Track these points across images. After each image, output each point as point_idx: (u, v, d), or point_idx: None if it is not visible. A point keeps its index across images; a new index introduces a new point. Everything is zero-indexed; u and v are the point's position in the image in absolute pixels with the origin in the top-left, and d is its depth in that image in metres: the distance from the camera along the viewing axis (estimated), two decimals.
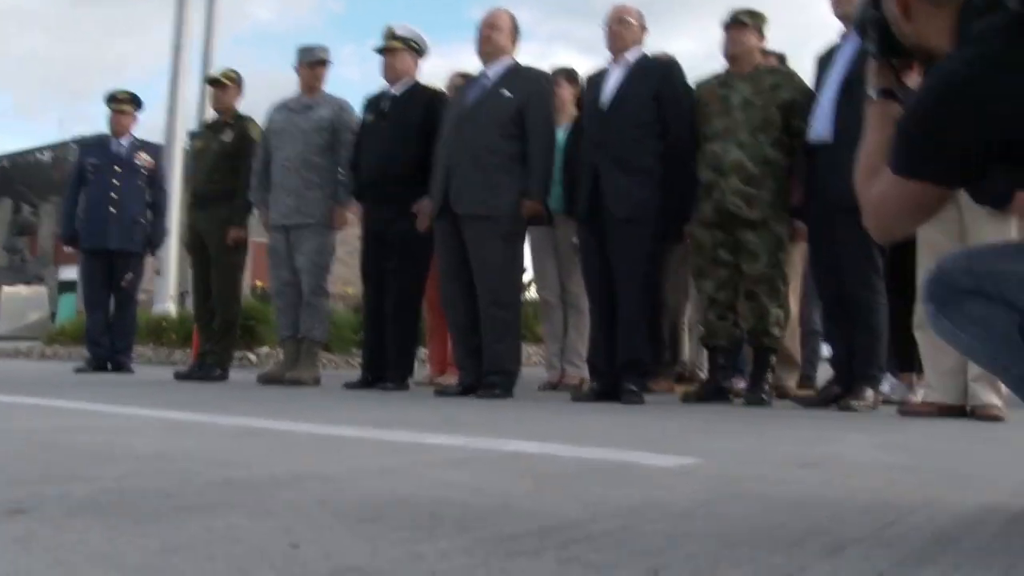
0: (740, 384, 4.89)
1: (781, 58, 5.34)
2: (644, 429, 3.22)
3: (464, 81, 5.30)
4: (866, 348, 4.25)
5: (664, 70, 4.61)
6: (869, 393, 4.21)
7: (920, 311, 4.04)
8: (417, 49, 5.37)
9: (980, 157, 1.32)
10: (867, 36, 1.58)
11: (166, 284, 11.52)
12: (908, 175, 1.38)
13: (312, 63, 5.68)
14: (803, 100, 4.48)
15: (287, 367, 5.57)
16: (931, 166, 1.36)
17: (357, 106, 5.59)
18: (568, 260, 5.56)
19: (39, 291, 18.05)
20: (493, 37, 4.80)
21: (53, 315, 17.91)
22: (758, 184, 4.44)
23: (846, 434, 3.13)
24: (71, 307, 20.85)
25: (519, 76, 4.77)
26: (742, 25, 4.60)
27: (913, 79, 1.59)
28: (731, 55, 4.62)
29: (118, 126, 7.05)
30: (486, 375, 4.53)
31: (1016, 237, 3.70)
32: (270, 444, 2.49)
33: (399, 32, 5.34)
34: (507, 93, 4.67)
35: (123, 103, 7.08)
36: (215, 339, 5.98)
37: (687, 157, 4.51)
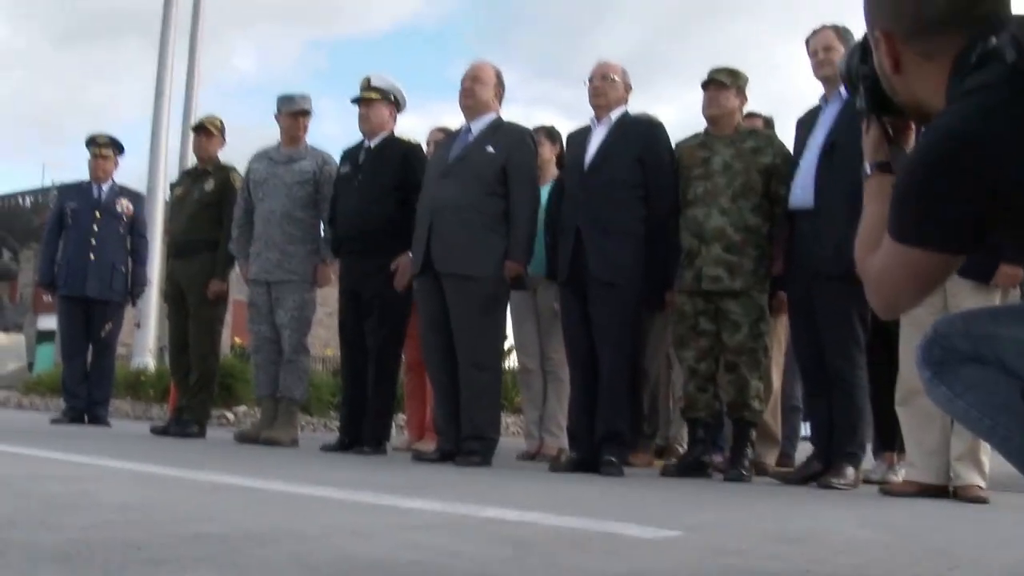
0: (718, 459, 4.83)
1: (768, 121, 5.30)
2: (624, 500, 3.17)
3: (444, 136, 5.25)
4: (847, 425, 4.19)
5: (648, 131, 4.56)
6: (850, 471, 4.15)
7: (902, 387, 4.02)
8: (394, 101, 5.29)
9: (982, 219, 1.25)
10: (856, 91, 1.55)
11: (145, 337, 11.39)
12: (908, 242, 1.31)
13: (293, 112, 5.59)
14: (784, 165, 4.47)
15: (264, 426, 5.47)
16: (932, 231, 1.29)
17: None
18: (549, 326, 5.52)
19: (17, 340, 17.81)
20: (476, 90, 4.70)
21: (31, 365, 17.66)
22: (739, 252, 4.41)
23: (829, 511, 3.08)
24: (49, 357, 20.56)
25: (502, 132, 4.69)
26: (721, 85, 4.53)
27: (909, 141, 1.56)
28: (710, 116, 4.56)
29: (99, 171, 6.96)
30: (464, 441, 4.45)
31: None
32: (243, 501, 2.43)
33: (375, 83, 5.25)
34: (490, 149, 4.60)
35: (104, 147, 6.99)
36: (192, 394, 5.86)
37: (669, 222, 4.49)
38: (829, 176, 4.22)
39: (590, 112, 4.65)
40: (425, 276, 4.59)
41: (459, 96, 4.74)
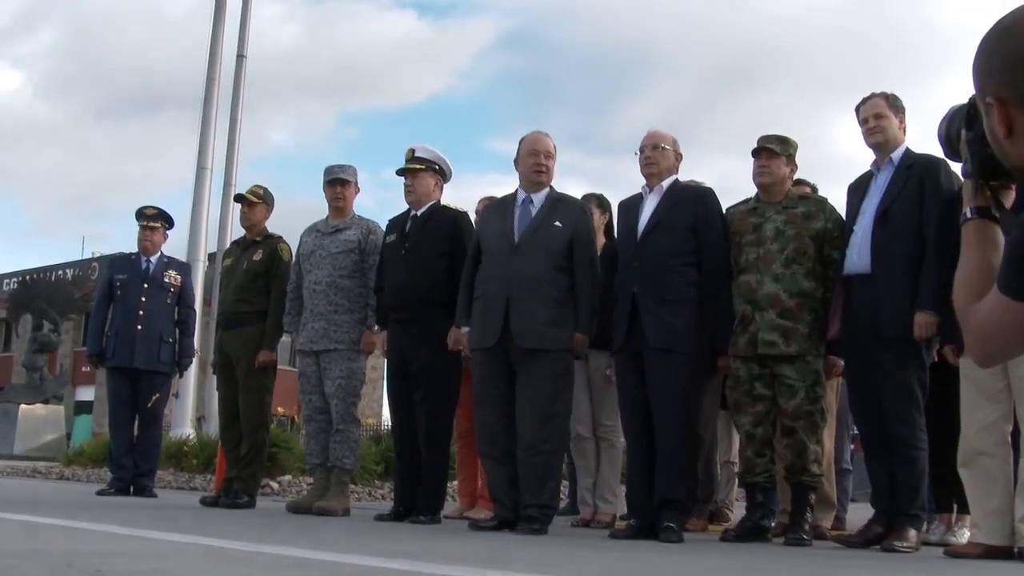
0: (772, 523, 4.75)
1: (814, 189, 5.33)
2: (688, 568, 3.12)
3: (490, 202, 5.31)
4: (908, 487, 4.15)
5: (700, 198, 4.60)
6: (912, 534, 4.09)
7: (964, 448, 3.98)
8: (439, 171, 5.32)
9: None
10: (959, 156, 1.56)
11: (184, 407, 11.45)
12: (1019, 298, 1.32)
13: (331, 181, 5.65)
14: (835, 229, 4.50)
15: (315, 496, 5.46)
16: None
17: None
18: (601, 393, 5.52)
19: (56, 411, 17.94)
20: (550, 167, 4.79)
21: (68, 436, 17.77)
22: (794, 317, 4.40)
23: (901, 575, 3.02)
24: (87, 428, 20.73)
25: (564, 205, 4.76)
26: (772, 153, 4.57)
27: (1010, 198, 1.57)
28: (761, 184, 4.60)
29: (148, 243, 7.01)
30: (525, 508, 4.42)
31: None
32: (323, 574, 2.42)
33: (420, 153, 5.29)
34: (558, 223, 4.65)
35: (152, 219, 7.07)
36: (242, 465, 5.85)
37: (721, 287, 4.50)
38: (884, 241, 4.26)
39: (630, 181, 4.82)
40: (497, 351, 4.57)
41: (528, 171, 4.76)
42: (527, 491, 4.42)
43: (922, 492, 4.20)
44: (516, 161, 4.81)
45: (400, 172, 5.32)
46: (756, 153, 4.63)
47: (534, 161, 4.71)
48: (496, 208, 4.95)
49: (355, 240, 5.54)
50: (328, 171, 5.71)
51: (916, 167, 4.28)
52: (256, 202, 6.14)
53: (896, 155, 4.37)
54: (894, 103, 4.41)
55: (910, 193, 4.27)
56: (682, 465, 4.32)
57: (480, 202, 5.97)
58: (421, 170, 5.25)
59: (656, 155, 4.61)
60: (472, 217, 5.53)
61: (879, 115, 4.39)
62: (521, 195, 4.78)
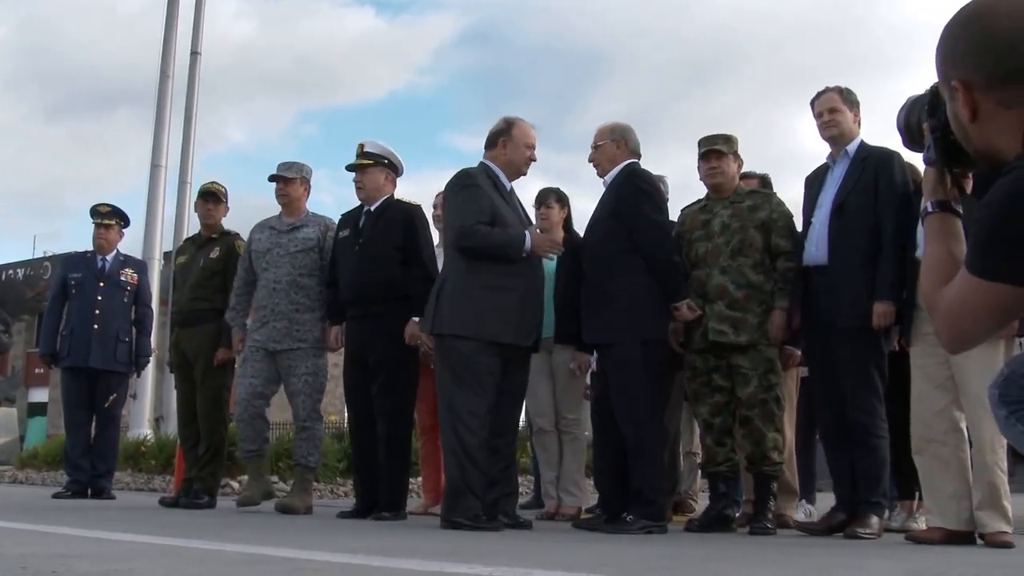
0: (736, 513, 4.75)
1: (764, 180, 5.33)
2: (659, 559, 3.11)
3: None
4: (869, 475, 4.19)
5: (623, 185, 4.52)
6: (875, 520, 4.13)
7: (916, 436, 4.04)
8: (390, 165, 5.27)
9: None
10: (920, 145, 1.57)
11: (142, 407, 11.26)
12: (991, 278, 1.35)
13: (272, 177, 5.60)
14: (780, 219, 4.55)
15: (258, 487, 5.38)
16: (1017, 265, 1.32)
17: None
18: (564, 386, 5.52)
19: (9, 413, 17.59)
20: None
21: (22, 438, 17.43)
22: (743, 308, 4.44)
23: (866, 560, 3.04)
24: (41, 430, 20.34)
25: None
26: (720, 154, 4.63)
27: (967, 186, 1.58)
28: (713, 185, 4.67)
29: (103, 241, 6.89)
30: (495, 503, 4.35)
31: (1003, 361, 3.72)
32: (284, 570, 2.37)
33: (368, 148, 5.25)
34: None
35: (107, 217, 6.94)
36: (201, 464, 5.76)
37: (662, 271, 4.37)
38: (840, 233, 4.33)
39: (592, 177, 4.69)
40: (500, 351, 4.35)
41: (525, 166, 4.63)
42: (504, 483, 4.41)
43: (883, 480, 4.25)
44: (499, 143, 4.55)
45: (350, 168, 5.30)
46: (705, 156, 4.68)
47: (530, 154, 4.61)
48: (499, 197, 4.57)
49: (314, 238, 5.49)
50: (280, 168, 5.66)
51: (871, 160, 4.34)
52: (221, 200, 6.10)
53: (851, 148, 4.42)
54: (848, 97, 4.46)
55: (865, 185, 4.32)
56: (646, 457, 4.29)
57: (438, 196, 5.92)
58: (370, 165, 5.23)
59: (593, 153, 4.64)
60: (429, 212, 5.55)
61: (833, 109, 4.44)
62: (506, 184, 4.59)
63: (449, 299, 4.30)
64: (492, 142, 4.57)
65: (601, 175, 4.60)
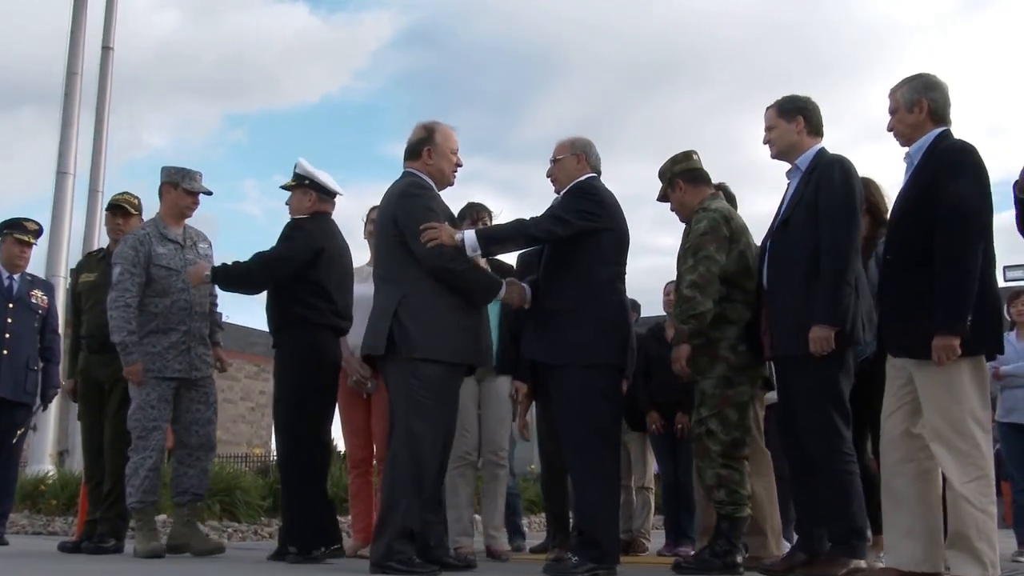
0: (689, 551, 4.78)
1: (720, 186, 5.30)
2: None
3: None
4: (830, 509, 4.17)
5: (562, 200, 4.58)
6: (843, 561, 4.07)
7: (881, 463, 4.01)
8: (312, 186, 5.27)
9: None
10: None
11: (43, 441, 10.95)
12: None
13: (192, 191, 5.61)
14: (693, 238, 4.61)
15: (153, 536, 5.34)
16: None
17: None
18: (499, 417, 5.62)
19: None
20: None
21: None
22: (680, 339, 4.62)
23: None
24: None
25: None
26: (662, 199, 4.92)
27: None
28: (679, 215, 4.89)
29: (21, 260, 6.61)
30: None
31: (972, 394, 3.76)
32: None
33: (296, 169, 5.35)
34: None
35: (35, 236, 6.68)
36: (107, 504, 5.61)
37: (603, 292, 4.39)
38: (782, 253, 4.36)
39: (541, 188, 4.99)
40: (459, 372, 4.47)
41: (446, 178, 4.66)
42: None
43: (850, 515, 4.13)
44: (423, 152, 4.54)
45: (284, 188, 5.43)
46: (664, 193, 4.91)
47: (457, 160, 4.62)
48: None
49: (211, 254, 5.64)
50: (187, 175, 5.64)
51: (816, 171, 4.35)
52: (133, 213, 6.00)
53: (803, 160, 4.44)
54: (784, 107, 4.48)
55: (808, 199, 4.33)
56: (590, 491, 4.28)
57: (372, 210, 5.88)
58: (294, 186, 5.33)
59: (551, 168, 4.66)
60: (364, 228, 5.72)
61: (768, 127, 4.52)
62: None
63: (414, 320, 4.24)
64: (415, 152, 4.56)
65: (558, 191, 4.62)
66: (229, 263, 5.21)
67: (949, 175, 3.82)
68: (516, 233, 4.37)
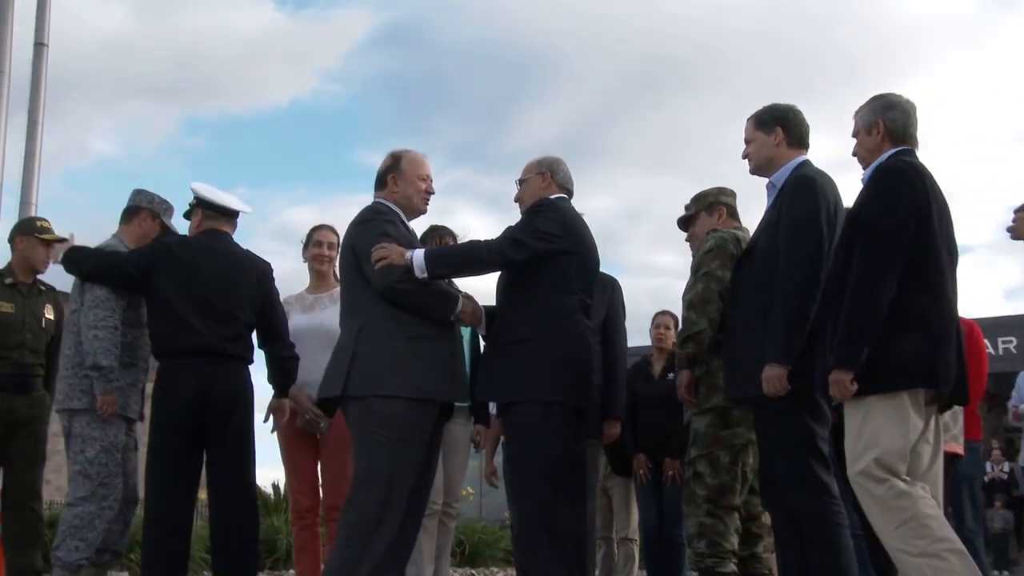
0: None
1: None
2: None
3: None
4: (818, 565, 3.98)
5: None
6: None
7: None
8: (199, 204, 5.21)
9: None
10: None
11: None
12: None
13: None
14: (711, 250, 4.66)
15: None
16: None
17: None
18: (458, 464, 5.53)
19: None
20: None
21: None
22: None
23: None
24: None
25: None
26: (689, 219, 5.06)
27: None
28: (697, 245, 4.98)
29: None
30: None
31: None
32: None
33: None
34: None
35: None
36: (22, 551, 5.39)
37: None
38: (744, 285, 4.28)
39: (511, 202, 4.64)
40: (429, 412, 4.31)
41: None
42: None
43: (840, 570, 3.95)
44: (389, 179, 4.50)
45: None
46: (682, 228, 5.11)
47: (426, 186, 4.55)
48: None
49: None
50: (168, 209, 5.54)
51: (785, 188, 4.24)
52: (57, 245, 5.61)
53: (779, 176, 4.32)
54: (762, 118, 4.36)
55: (773, 222, 4.22)
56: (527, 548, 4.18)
57: (321, 233, 5.78)
58: (189, 213, 5.32)
59: (519, 187, 4.62)
60: (303, 251, 5.80)
61: (747, 140, 4.43)
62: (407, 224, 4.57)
63: (373, 353, 4.15)
64: (381, 181, 4.55)
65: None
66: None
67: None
68: (466, 256, 4.29)
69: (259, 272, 5.16)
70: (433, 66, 66.30)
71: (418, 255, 4.12)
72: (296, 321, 5.42)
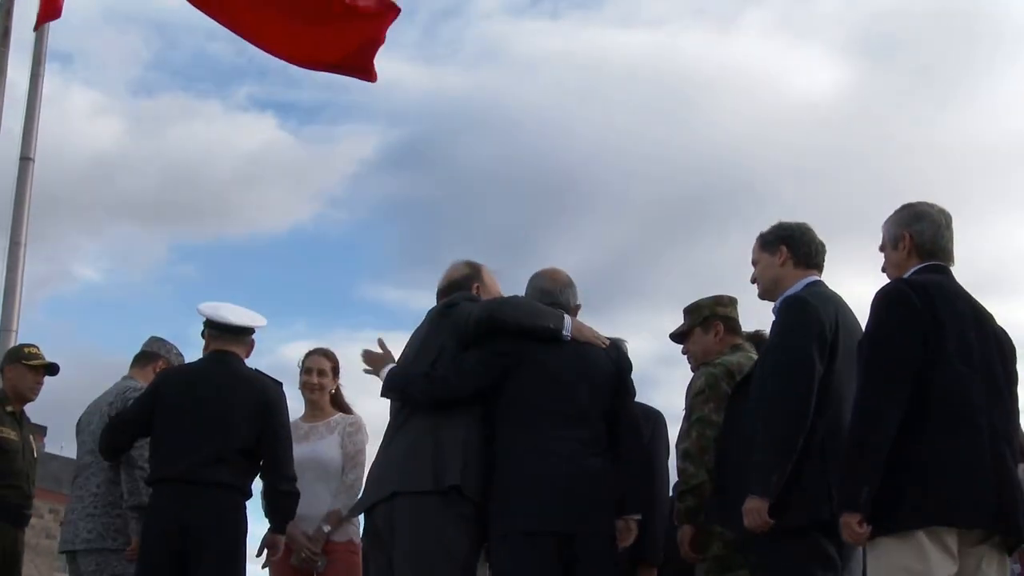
0: None
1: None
2: None
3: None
4: None
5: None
6: None
7: None
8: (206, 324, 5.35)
9: None
10: None
11: None
12: None
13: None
14: (702, 391, 4.66)
15: None
16: None
17: None
18: None
19: None
20: None
21: None
22: None
23: None
24: None
25: None
26: (682, 335, 4.95)
27: None
28: (695, 361, 4.94)
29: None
30: None
31: None
32: None
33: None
34: None
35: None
36: None
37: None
38: (737, 414, 4.18)
39: None
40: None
41: None
42: None
43: None
44: (474, 287, 4.59)
45: None
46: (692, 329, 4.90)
47: None
48: None
49: None
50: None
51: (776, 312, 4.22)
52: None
53: (779, 304, 4.23)
54: (766, 237, 4.33)
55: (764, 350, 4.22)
56: None
57: (309, 358, 5.79)
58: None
59: None
60: (299, 378, 5.79)
61: (752, 262, 4.38)
62: None
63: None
64: (460, 288, 4.53)
65: None
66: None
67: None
68: None
69: (261, 394, 5.10)
70: (447, 190, 65.44)
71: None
72: (297, 452, 5.34)
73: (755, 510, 3.77)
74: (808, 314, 3.95)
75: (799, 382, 3.82)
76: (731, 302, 4.90)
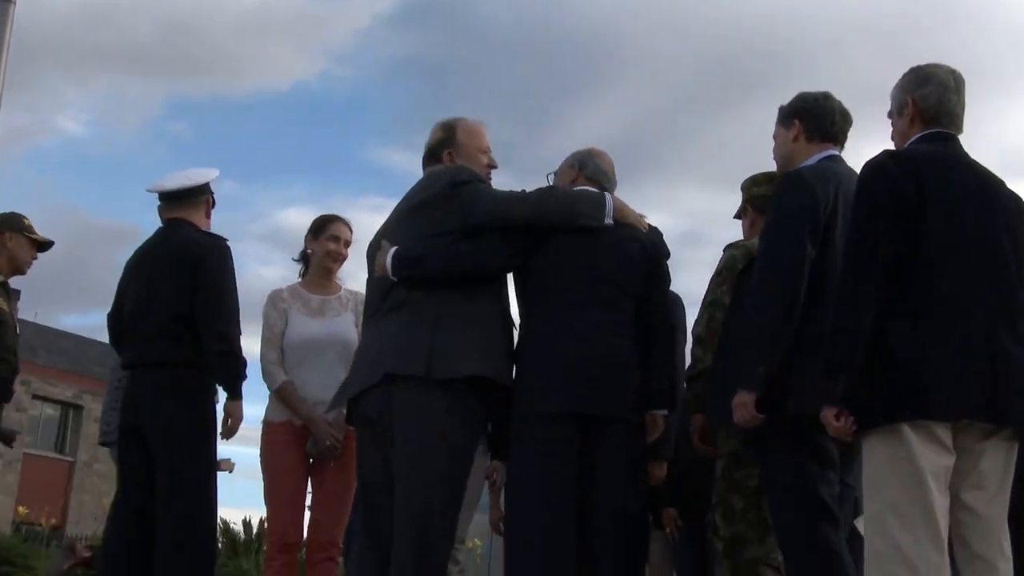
0: None
1: None
2: None
3: None
4: None
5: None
6: None
7: None
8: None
9: None
10: None
11: None
12: None
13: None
14: (720, 272, 4.64)
15: None
16: None
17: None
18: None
19: None
20: None
21: None
22: None
23: None
24: None
25: None
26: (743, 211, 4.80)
27: None
28: None
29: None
30: None
31: None
32: None
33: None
34: None
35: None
36: None
37: None
38: (739, 298, 4.19)
39: None
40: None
41: None
42: None
43: None
44: (444, 156, 4.31)
45: None
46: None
47: (488, 161, 4.37)
48: None
49: None
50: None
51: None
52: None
53: (777, 181, 4.21)
54: (783, 112, 4.22)
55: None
56: None
57: (335, 224, 5.65)
58: None
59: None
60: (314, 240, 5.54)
61: (773, 136, 4.28)
62: None
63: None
64: (434, 156, 4.31)
65: None
66: None
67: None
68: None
69: (188, 254, 4.89)
70: (463, 50, 63.00)
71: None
72: (306, 327, 5.30)
73: (742, 404, 3.71)
74: (801, 192, 3.83)
75: (782, 269, 3.74)
76: (765, 179, 4.68)
